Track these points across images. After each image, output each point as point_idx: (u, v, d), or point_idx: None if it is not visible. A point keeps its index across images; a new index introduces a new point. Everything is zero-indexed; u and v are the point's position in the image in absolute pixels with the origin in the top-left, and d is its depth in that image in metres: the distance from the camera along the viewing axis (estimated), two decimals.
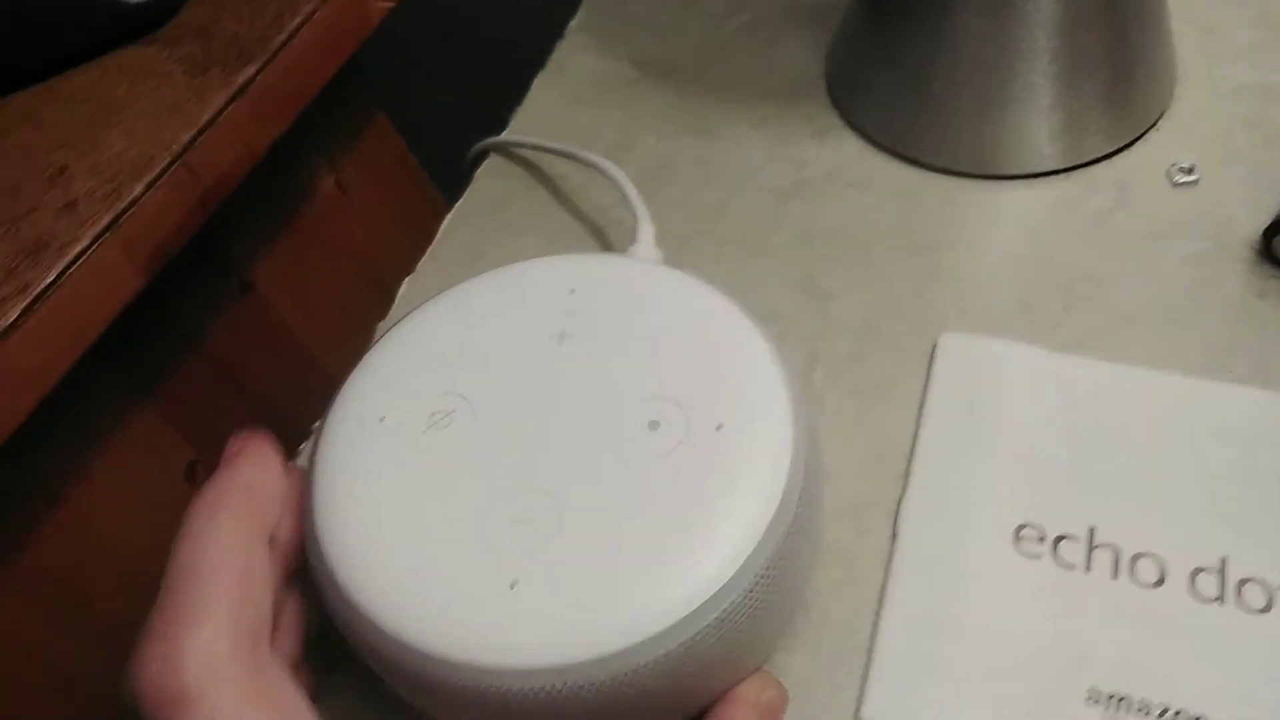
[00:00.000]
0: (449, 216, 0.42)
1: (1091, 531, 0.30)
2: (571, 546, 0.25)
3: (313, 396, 0.39)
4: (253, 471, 0.26)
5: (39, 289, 0.34)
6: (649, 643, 0.24)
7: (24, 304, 0.34)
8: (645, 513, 0.25)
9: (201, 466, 0.49)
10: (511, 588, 0.24)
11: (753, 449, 0.26)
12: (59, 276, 0.35)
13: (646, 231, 0.35)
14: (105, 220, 0.36)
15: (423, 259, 0.41)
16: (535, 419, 0.27)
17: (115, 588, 0.45)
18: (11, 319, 0.33)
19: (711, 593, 0.24)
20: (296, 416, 0.40)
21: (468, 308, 0.30)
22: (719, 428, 0.26)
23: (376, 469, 0.27)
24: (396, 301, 0.40)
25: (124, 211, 0.36)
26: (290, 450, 0.37)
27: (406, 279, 0.41)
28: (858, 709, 0.28)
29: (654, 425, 0.27)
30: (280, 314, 0.53)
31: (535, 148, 0.43)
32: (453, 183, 0.45)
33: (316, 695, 0.29)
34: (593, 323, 0.29)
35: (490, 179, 0.44)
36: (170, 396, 0.48)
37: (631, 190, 0.36)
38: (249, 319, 0.51)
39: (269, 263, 0.52)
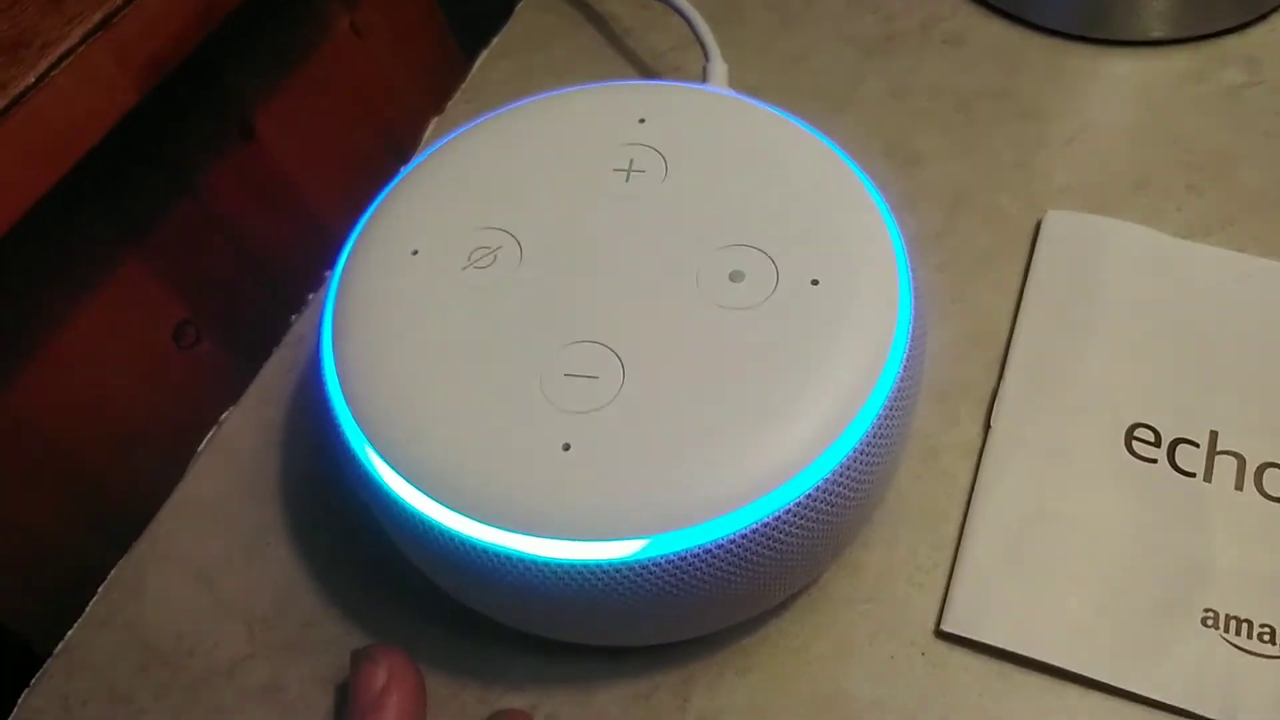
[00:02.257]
0: (485, 52, 0.38)
1: (1214, 437, 0.26)
2: (636, 407, 0.21)
3: (313, 258, 0.35)
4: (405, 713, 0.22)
5: (18, 90, 0.30)
6: (721, 522, 0.20)
7: (0, 105, 0.29)
8: (725, 375, 0.21)
9: (191, 328, 0.45)
10: (565, 450, 0.21)
11: (854, 309, 0.22)
12: (40, 78, 0.30)
13: (719, 69, 0.31)
14: (96, 18, 0.31)
15: (453, 99, 0.37)
16: (594, 262, 0.23)
17: (95, 444, 0.42)
18: None
19: (801, 468, 0.20)
20: (295, 279, 0.37)
21: (518, 133, 0.26)
22: (815, 283, 0.22)
23: (407, 310, 0.23)
24: (422, 144, 0.36)
25: (117, 11, 0.32)
26: (286, 315, 0.33)
27: (435, 119, 0.36)
28: (941, 612, 0.24)
29: (736, 276, 0.23)
30: (283, 166, 0.48)
31: None
32: (477, 42, 0.40)
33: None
34: (666, 157, 0.25)
35: (532, 14, 0.39)
36: (162, 247, 0.43)
37: (700, 22, 0.32)
38: (249, 168, 0.47)
39: (273, 108, 0.47)
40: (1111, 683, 0.23)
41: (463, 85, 0.37)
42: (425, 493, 0.21)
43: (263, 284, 0.46)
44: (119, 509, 0.41)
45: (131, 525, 0.30)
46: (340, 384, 0.23)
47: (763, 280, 0.23)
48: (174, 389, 0.43)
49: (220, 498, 0.28)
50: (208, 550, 0.27)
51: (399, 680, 0.22)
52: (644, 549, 0.20)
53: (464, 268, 0.24)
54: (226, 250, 0.45)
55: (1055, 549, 0.25)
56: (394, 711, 0.22)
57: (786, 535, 0.21)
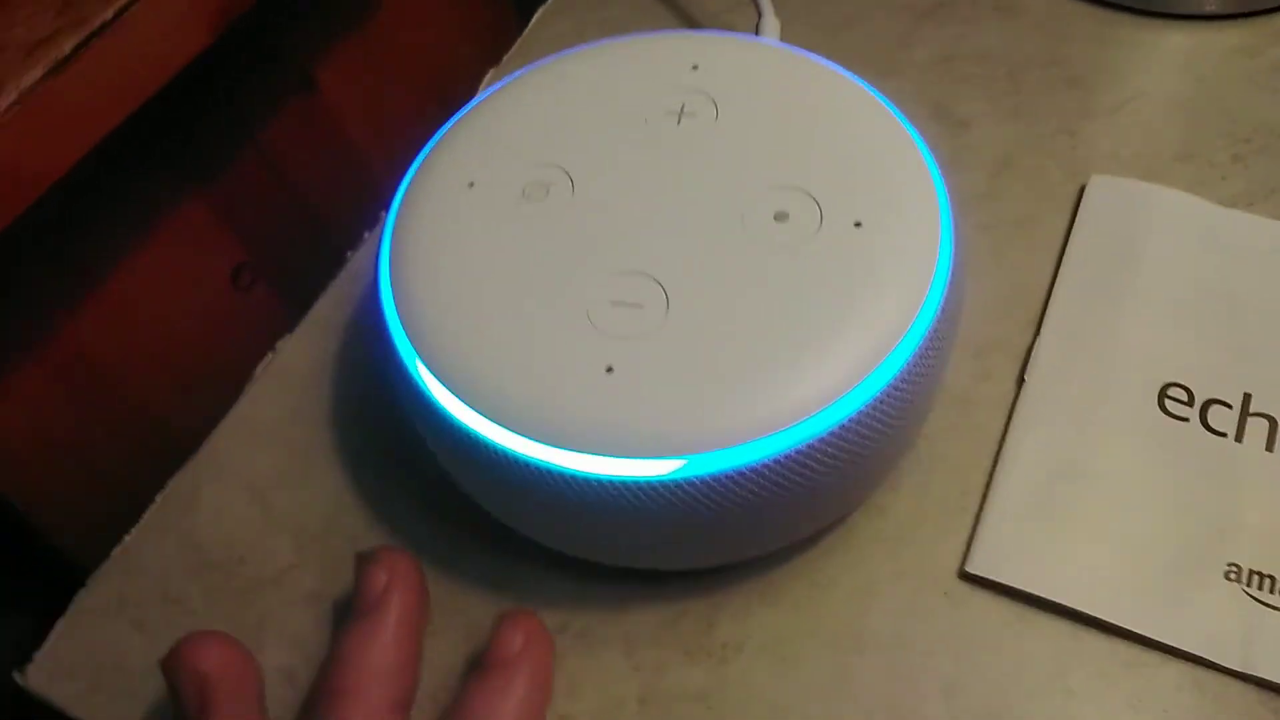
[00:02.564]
0: (542, 9, 0.39)
1: (1246, 399, 0.26)
2: (678, 335, 0.22)
3: (365, 208, 0.36)
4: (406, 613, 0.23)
5: (96, 24, 0.31)
6: (756, 445, 0.21)
7: (80, 38, 0.31)
8: (766, 308, 0.22)
9: (248, 270, 0.47)
10: (608, 372, 0.22)
11: (895, 251, 0.23)
12: (119, 13, 0.31)
13: (772, 24, 0.32)
14: None
15: (509, 52, 0.38)
16: (644, 200, 0.24)
17: (152, 381, 0.43)
18: (66, 52, 0.30)
19: (835, 399, 0.21)
20: (347, 227, 0.38)
21: (575, 75, 0.27)
22: (858, 224, 0.23)
23: (463, 238, 0.24)
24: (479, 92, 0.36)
25: None
26: (336, 259, 0.34)
27: (491, 69, 0.37)
28: (964, 558, 0.25)
29: (781, 217, 0.23)
30: (340, 117, 0.50)
31: None
32: (533, 2, 0.41)
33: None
34: (717, 102, 0.26)
35: None
36: (222, 191, 0.45)
37: None
38: (308, 119, 0.48)
39: (332, 62, 0.49)
40: (1132, 629, 0.24)
41: (519, 41, 0.38)
42: (474, 408, 0.22)
43: (317, 231, 0.48)
44: (174, 441, 0.43)
45: (185, 456, 0.31)
46: (396, 305, 0.24)
47: (807, 220, 0.23)
48: (229, 329, 0.44)
49: (274, 419, 0.29)
50: (261, 467, 0.29)
51: (401, 581, 0.23)
52: (681, 469, 0.21)
53: (518, 200, 0.25)
54: (283, 198, 0.47)
55: (1083, 499, 0.25)
56: (395, 611, 0.22)
57: (818, 463, 0.21)
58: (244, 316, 0.46)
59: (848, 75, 0.26)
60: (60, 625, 0.27)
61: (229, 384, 0.33)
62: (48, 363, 0.39)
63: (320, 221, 0.48)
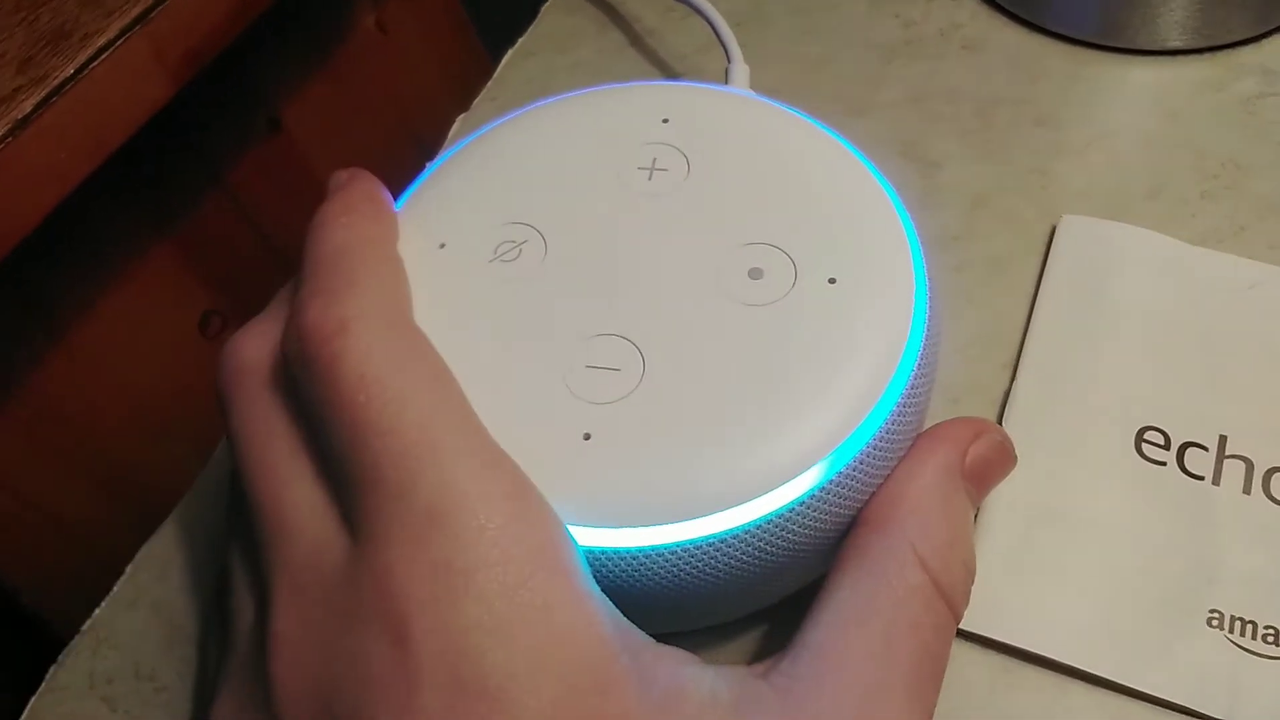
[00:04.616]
0: (510, 52, 0.38)
1: (1223, 441, 0.26)
2: (655, 398, 0.22)
3: None
4: (371, 189, 0.25)
5: (58, 81, 0.31)
6: (738, 511, 0.21)
7: (41, 95, 0.30)
8: (741, 370, 0.22)
9: (217, 318, 0.46)
10: (585, 439, 0.21)
11: (870, 308, 0.23)
12: (80, 69, 0.31)
13: (741, 71, 0.31)
14: (134, 12, 0.32)
15: (478, 98, 0.38)
16: (617, 258, 0.24)
17: (122, 431, 0.43)
18: (27, 111, 0.30)
19: (814, 462, 0.21)
20: None
21: (544, 130, 0.27)
22: (832, 281, 0.23)
23: (436, 301, 0.24)
24: (447, 142, 0.36)
25: (154, 6, 0.32)
26: None
27: (460, 116, 0.37)
28: None
29: (755, 274, 0.23)
30: (308, 159, 0.49)
31: None
32: (502, 41, 0.41)
33: None
34: (689, 156, 0.25)
35: (557, 16, 0.39)
36: (190, 237, 0.44)
37: (723, 25, 0.32)
38: (276, 160, 0.48)
39: (299, 102, 0.48)
40: (1115, 680, 0.24)
41: (488, 85, 0.38)
42: None
43: (287, 276, 0.47)
44: (145, 494, 0.42)
45: (158, 510, 0.30)
46: None
47: (781, 278, 0.23)
48: (199, 378, 0.44)
49: None
50: None
51: (360, 175, 0.25)
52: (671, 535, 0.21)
53: (490, 261, 0.24)
54: (252, 241, 0.46)
55: (1063, 548, 0.25)
56: (359, 185, 0.24)
57: (800, 526, 0.21)
58: (213, 365, 0.45)
59: (818, 125, 0.26)
60: (32, 703, 0.26)
61: (200, 434, 0.33)
62: (13, 414, 0.38)
63: (289, 267, 0.48)
